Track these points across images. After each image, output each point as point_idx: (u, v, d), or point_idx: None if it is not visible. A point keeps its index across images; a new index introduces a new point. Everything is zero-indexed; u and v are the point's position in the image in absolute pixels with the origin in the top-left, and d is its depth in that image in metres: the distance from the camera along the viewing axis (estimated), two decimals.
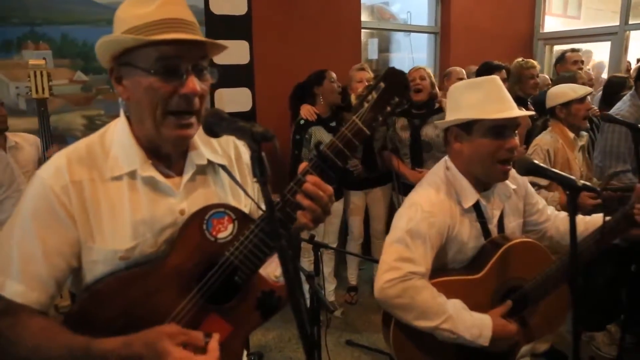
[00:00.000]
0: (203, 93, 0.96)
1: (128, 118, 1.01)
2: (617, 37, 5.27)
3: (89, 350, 0.86)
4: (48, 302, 0.94)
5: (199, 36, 0.93)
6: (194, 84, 0.92)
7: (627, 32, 5.24)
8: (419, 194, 1.52)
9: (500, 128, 1.43)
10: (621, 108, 2.67)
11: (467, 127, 1.47)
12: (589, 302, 2.81)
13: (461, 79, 3.95)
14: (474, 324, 1.37)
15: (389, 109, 0.96)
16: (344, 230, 3.65)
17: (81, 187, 0.93)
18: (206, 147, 1.07)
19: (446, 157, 1.58)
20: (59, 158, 0.96)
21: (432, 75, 3.34)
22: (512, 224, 1.60)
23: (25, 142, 2.44)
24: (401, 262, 1.38)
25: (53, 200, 0.91)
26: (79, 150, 0.97)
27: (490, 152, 1.43)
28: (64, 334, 0.89)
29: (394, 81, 0.96)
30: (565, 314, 1.52)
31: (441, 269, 1.49)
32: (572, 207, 1.18)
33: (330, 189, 0.95)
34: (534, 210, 1.67)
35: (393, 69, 0.99)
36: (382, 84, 0.96)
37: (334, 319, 3.34)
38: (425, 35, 5.46)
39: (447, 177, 1.53)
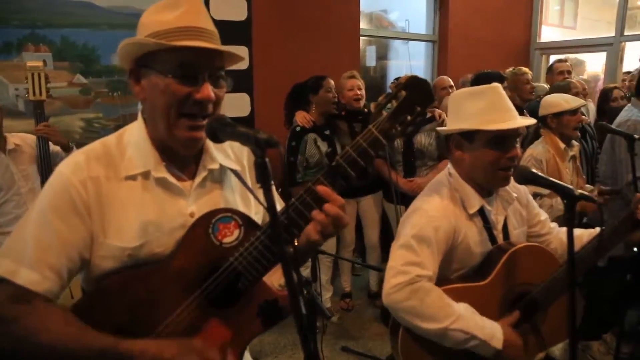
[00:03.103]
0: (217, 99, 0.98)
1: (145, 120, 1.03)
2: (612, 48, 5.32)
3: (117, 349, 0.88)
4: (59, 292, 0.96)
5: (218, 45, 0.96)
6: (209, 90, 0.94)
7: (623, 43, 5.29)
8: (423, 200, 1.52)
9: (503, 138, 1.43)
10: (628, 116, 2.68)
11: (469, 135, 1.47)
12: (589, 310, 2.81)
13: (445, 88, 3.98)
14: (486, 325, 1.36)
15: (409, 118, 0.93)
16: (337, 238, 3.65)
17: (98, 182, 0.96)
18: (219, 152, 1.09)
19: (449, 165, 1.59)
20: (78, 156, 0.99)
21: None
22: (517, 231, 1.60)
23: (25, 143, 2.42)
24: (408, 266, 1.38)
25: (72, 193, 0.94)
26: (96, 149, 1.01)
27: (491, 162, 1.44)
28: (90, 331, 0.90)
29: (417, 90, 0.94)
30: (577, 313, 1.52)
31: (448, 277, 1.49)
32: (570, 216, 1.20)
33: (341, 200, 0.94)
34: (535, 221, 1.68)
35: (416, 77, 0.97)
36: (403, 92, 0.94)
37: (329, 325, 3.33)
38: (423, 43, 5.50)
39: (451, 183, 1.53)
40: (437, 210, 1.45)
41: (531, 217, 1.68)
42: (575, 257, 1.19)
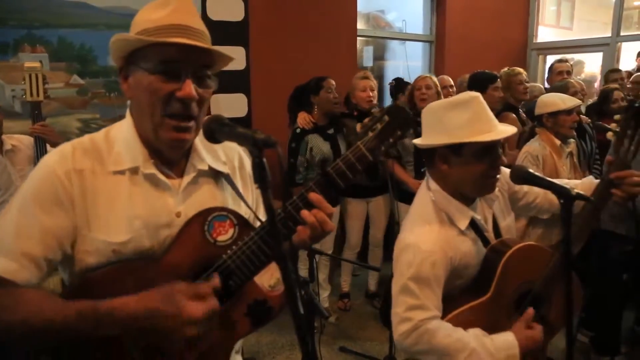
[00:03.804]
0: (202, 99, 0.97)
1: (133, 117, 1.03)
2: (609, 48, 5.35)
3: (96, 309, 0.85)
4: (37, 283, 0.94)
5: (204, 44, 0.95)
6: (190, 88, 0.93)
7: (619, 43, 5.32)
8: (412, 232, 1.46)
9: (491, 148, 1.42)
10: None
11: (457, 148, 1.43)
12: (606, 326, 2.74)
13: (445, 87, 3.99)
14: (499, 348, 1.35)
15: (391, 140, 1.05)
16: (340, 237, 3.65)
17: (83, 175, 0.95)
18: (209, 154, 1.08)
19: (426, 180, 1.55)
20: (65, 147, 0.99)
21: (437, 84, 3.35)
22: (505, 222, 1.60)
23: (22, 144, 2.42)
24: (411, 311, 1.38)
25: (56, 183, 0.93)
26: (84, 143, 1.00)
27: (482, 172, 1.43)
28: (66, 301, 0.88)
29: (397, 116, 1.05)
30: (579, 299, 1.52)
31: (453, 293, 1.47)
32: (567, 216, 1.19)
33: (331, 208, 1.00)
34: (520, 195, 1.66)
35: (396, 106, 1.09)
36: (386, 117, 1.04)
37: (327, 325, 3.33)
38: (420, 43, 5.51)
39: (434, 202, 1.49)
40: (429, 243, 1.40)
41: (514, 194, 1.66)
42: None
